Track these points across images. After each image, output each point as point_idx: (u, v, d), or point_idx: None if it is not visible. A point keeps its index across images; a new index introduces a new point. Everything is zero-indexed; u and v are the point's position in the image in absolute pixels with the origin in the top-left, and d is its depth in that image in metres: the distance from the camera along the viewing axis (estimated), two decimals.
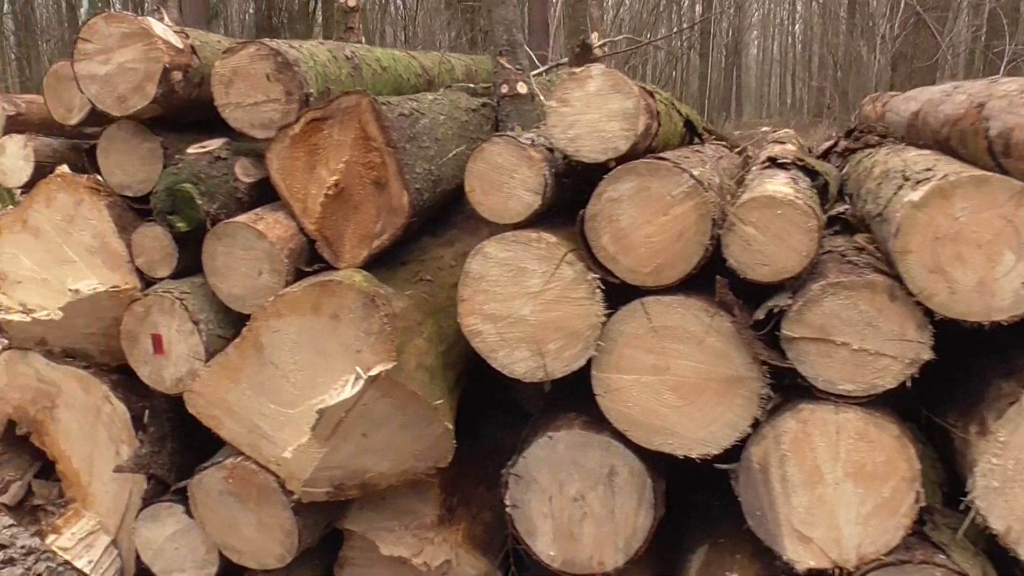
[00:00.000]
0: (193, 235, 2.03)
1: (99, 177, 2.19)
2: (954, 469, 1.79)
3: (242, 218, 1.91)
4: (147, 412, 2.23)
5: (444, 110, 2.22)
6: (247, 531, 2.04)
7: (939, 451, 1.85)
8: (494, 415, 2.44)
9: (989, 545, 1.70)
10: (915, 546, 1.66)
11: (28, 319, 2.19)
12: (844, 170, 2.67)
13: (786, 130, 3.42)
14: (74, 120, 2.24)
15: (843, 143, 2.81)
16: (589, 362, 1.81)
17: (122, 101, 2.03)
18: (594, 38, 3.55)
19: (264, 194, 2.06)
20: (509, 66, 2.45)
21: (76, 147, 2.43)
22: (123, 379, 2.26)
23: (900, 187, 1.70)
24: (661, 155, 1.74)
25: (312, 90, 1.96)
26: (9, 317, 2.21)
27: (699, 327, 1.73)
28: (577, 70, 1.75)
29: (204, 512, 2.06)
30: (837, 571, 1.69)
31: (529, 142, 1.79)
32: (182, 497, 2.14)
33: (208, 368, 1.94)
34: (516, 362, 1.86)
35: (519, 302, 1.82)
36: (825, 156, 3.04)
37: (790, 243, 1.63)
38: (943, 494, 1.81)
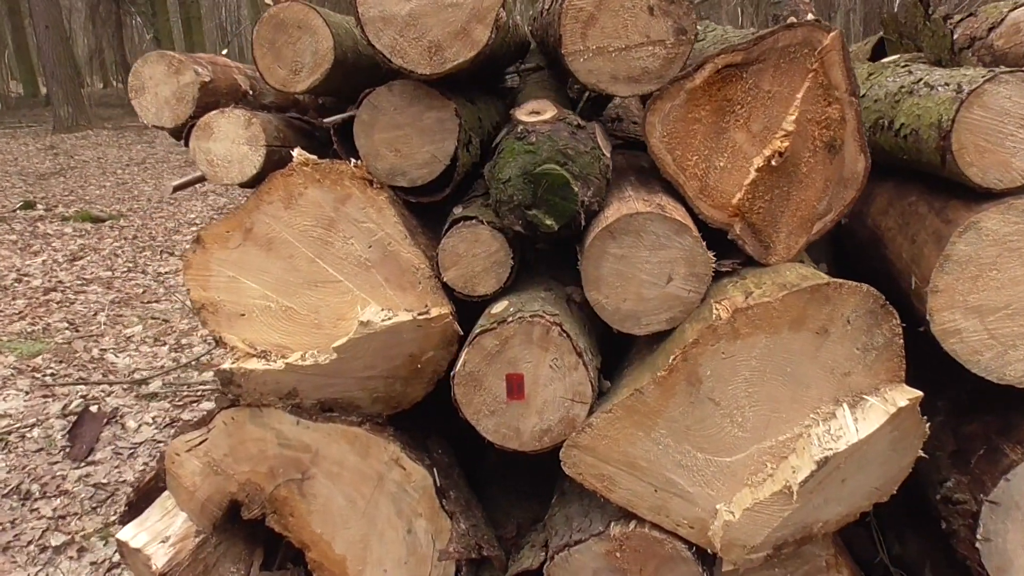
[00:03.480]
0: (532, 235, 1.49)
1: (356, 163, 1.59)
2: None
3: (642, 207, 1.39)
4: (436, 472, 1.69)
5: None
6: None
7: None
8: None
9: None
10: None
11: (279, 366, 1.58)
12: None
13: None
14: (302, 85, 1.60)
15: None
16: None
17: (434, 52, 1.43)
18: None
19: None
20: None
21: (291, 124, 1.77)
22: (401, 434, 1.70)
23: None
24: None
25: (700, 28, 1.45)
26: (249, 366, 1.59)
27: None
28: None
29: None
30: None
31: None
32: None
33: (606, 414, 1.43)
34: (1010, 364, 1.48)
35: (1013, 289, 1.44)
36: None
37: None
38: None
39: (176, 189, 1.86)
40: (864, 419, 1.33)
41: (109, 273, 6.33)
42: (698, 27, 1.45)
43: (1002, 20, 1.64)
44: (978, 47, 1.70)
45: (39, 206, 8.83)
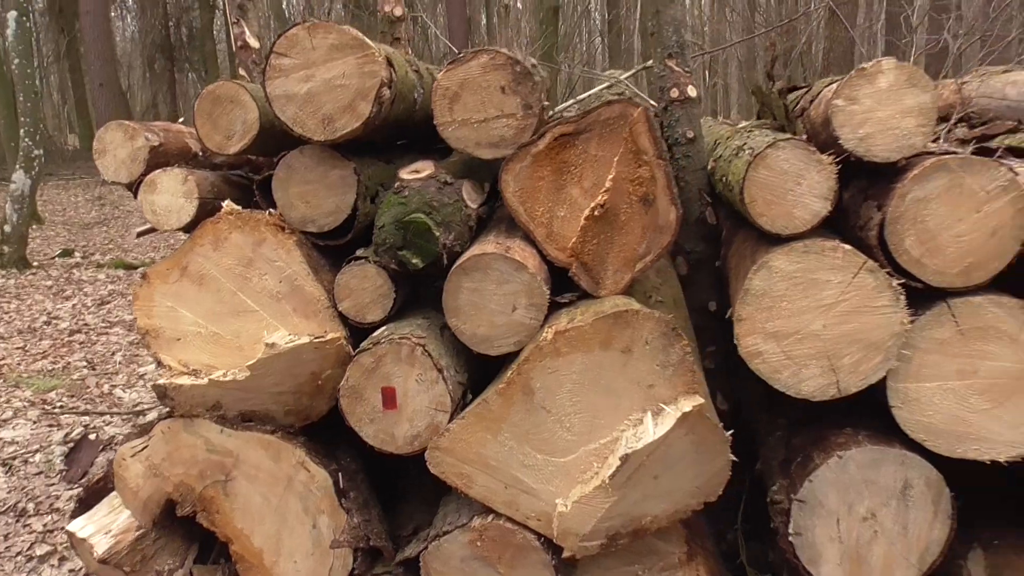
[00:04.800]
0: (404, 272, 1.81)
1: (274, 212, 1.93)
2: None
3: (492, 248, 1.70)
4: (340, 476, 1.98)
5: None
6: None
7: None
8: None
9: None
10: None
11: (204, 382, 1.90)
12: None
13: None
14: (234, 148, 1.96)
15: (974, 131, 2.82)
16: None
17: (327, 123, 1.78)
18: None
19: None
20: (679, 68, 2.32)
21: (228, 180, 2.14)
22: (310, 442, 1.99)
23: None
24: (964, 152, 1.66)
25: (547, 103, 1.77)
26: (179, 381, 1.91)
27: (1013, 325, 1.65)
28: (867, 65, 1.64)
29: None
30: None
31: (813, 147, 1.68)
32: (405, 568, 1.91)
33: (461, 420, 1.72)
34: (804, 381, 1.74)
35: (809, 316, 1.70)
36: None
37: None
38: None
39: (139, 235, 2.22)
40: (661, 424, 1.60)
41: (132, 317, 6.79)
42: (545, 103, 1.77)
43: (818, 94, 1.93)
44: (804, 116, 1.99)
45: (77, 254, 9.42)
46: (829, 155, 1.67)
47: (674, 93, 2.34)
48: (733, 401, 2.45)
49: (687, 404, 1.59)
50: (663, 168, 1.70)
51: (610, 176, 1.70)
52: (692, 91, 2.35)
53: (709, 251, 2.42)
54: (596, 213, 1.70)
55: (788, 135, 1.72)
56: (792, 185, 1.69)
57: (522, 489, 1.74)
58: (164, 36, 23.62)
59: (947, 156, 1.62)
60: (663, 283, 2.12)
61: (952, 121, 3.20)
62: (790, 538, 1.81)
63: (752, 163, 1.68)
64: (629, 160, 1.69)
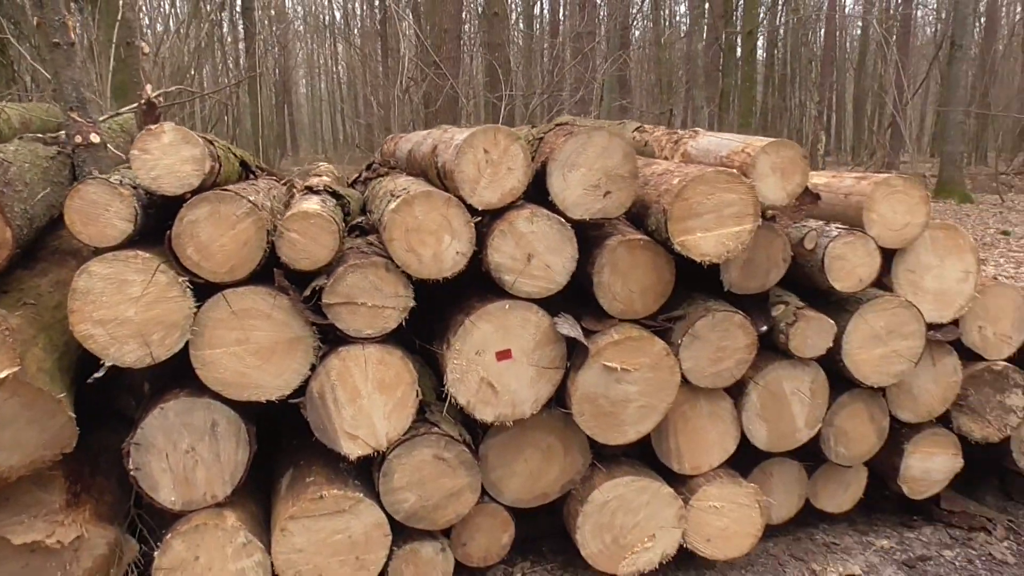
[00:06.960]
0: None
1: None
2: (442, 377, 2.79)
3: None
4: None
5: (27, 159, 2.59)
6: None
7: (434, 368, 2.86)
8: (101, 425, 2.83)
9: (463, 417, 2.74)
10: (420, 426, 2.63)
11: None
12: (366, 193, 3.64)
13: (325, 165, 4.34)
14: None
15: (365, 174, 3.81)
16: (187, 345, 2.42)
17: None
18: (148, 90, 3.97)
19: None
20: (81, 119, 2.87)
21: None
22: None
23: (389, 201, 2.65)
24: (226, 187, 2.44)
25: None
26: None
27: (266, 306, 2.46)
28: (153, 127, 2.35)
29: None
30: (376, 453, 2.57)
31: (119, 182, 2.34)
32: None
33: None
34: (126, 354, 2.37)
35: (124, 306, 2.34)
36: (355, 183, 4.02)
37: (321, 242, 2.46)
38: (438, 394, 2.80)
39: None
40: None
41: None
42: None
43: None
44: None
45: None
46: (127, 189, 2.34)
47: (79, 140, 2.90)
48: None
49: (3, 373, 2.12)
50: None
51: None
52: (95, 138, 2.92)
53: None
54: None
55: (98, 177, 2.36)
56: (102, 211, 2.32)
57: None
58: None
59: (210, 192, 2.38)
60: (55, 291, 2.64)
61: (368, 165, 4.21)
62: (132, 473, 2.44)
63: (70, 194, 2.29)
64: None
